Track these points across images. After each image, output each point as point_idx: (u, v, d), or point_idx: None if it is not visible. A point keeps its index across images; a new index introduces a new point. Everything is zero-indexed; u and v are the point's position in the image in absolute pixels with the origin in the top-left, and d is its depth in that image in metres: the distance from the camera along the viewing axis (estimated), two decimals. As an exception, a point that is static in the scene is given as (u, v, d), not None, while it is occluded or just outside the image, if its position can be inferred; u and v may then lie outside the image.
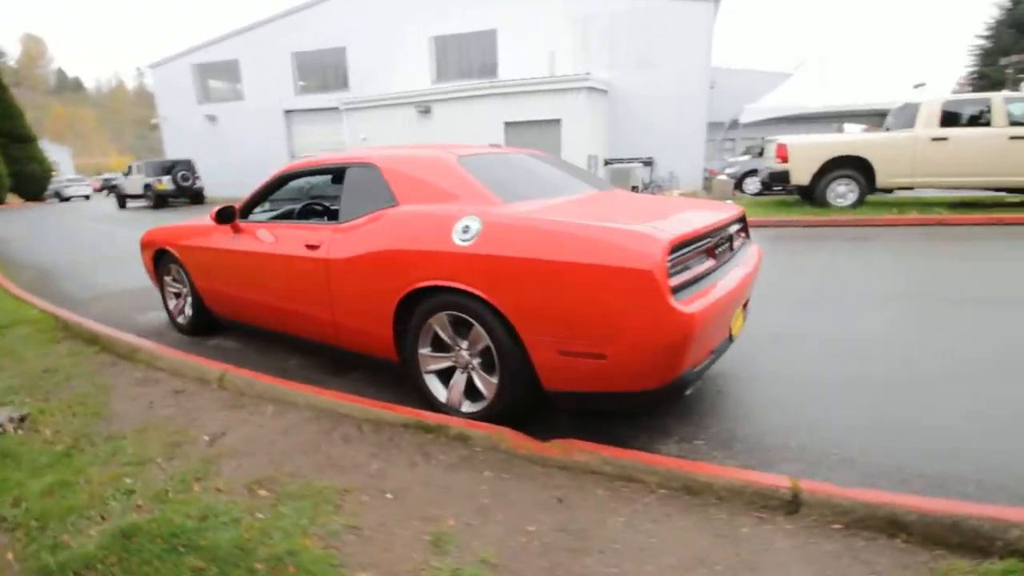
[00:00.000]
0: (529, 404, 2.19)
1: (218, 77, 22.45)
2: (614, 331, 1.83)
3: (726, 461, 2.01)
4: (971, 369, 2.74)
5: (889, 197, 9.82)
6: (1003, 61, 39.69)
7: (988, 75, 43.71)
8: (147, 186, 17.76)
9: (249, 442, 2.21)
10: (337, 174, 2.97)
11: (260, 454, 2.11)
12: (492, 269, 2.03)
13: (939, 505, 1.54)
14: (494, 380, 2.18)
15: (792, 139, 9.17)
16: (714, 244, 2.23)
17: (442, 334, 2.31)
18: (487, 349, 2.18)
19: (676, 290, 1.82)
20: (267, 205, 4.21)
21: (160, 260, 3.95)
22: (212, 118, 22.21)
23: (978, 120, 7.98)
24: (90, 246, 9.30)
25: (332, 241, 2.61)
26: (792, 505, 1.64)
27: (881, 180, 8.60)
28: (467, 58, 18.73)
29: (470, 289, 2.09)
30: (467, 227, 2.13)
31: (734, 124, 17.67)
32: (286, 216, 3.65)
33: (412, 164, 2.54)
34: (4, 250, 9.23)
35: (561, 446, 1.96)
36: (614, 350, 1.85)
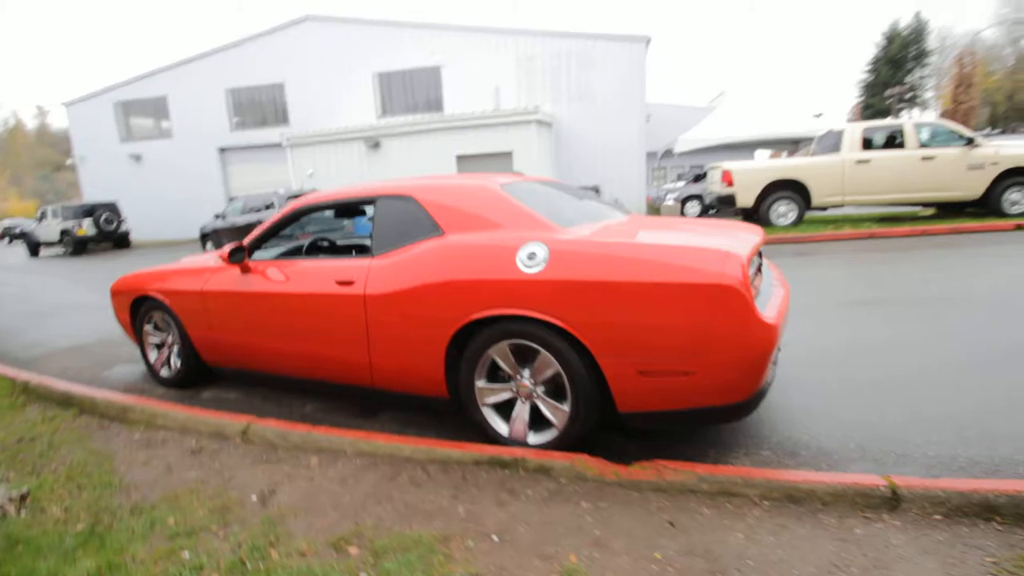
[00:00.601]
0: (596, 430, 2.17)
1: (144, 114, 21.21)
2: (701, 347, 1.87)
3: (802, 468, 2.08)
4: (963, 362, 3.00)
5: (824, 215, 10.73)
6: (887, 93, 45.10)
7: (873, 105, 49.64)
8: (64, 231, 16.24)
9: (308, 497, 2.02)
10: (359, 207, 2.87)
11: (327, 509, 1.93)
12: (565, 294, 2.02)
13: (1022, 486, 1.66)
14: (565, 407, 2.14)
15: (735, 165, 9.89)
16: (759, 262, 2.35)
17: (502, 364, 2.25)
18: (555, 376, 2.15)
19: (752, 303, 1.89)
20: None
21: (138, 308, 3.60)
22: (137, 157, 20.85)
23: (894, 143, 8.99)
24: (12, 299, 8.33)
25: (370, 275, 2.50)
26: (893, 501, 1.70)
27: (816, 200, 9.42)
28: (412, 93, 18.89)
29: (539, 316, 2.07)
30: (532, 253, 2.12)
31: (667, 153, 18.80)
32: (291, 255, 3.45)
33: (456, 194, 2.50)
34: (-99, 310, 8.07)
35: (651, 468, 1.95)
36: (701, 366, 1.88)
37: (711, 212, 14.70)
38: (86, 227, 16.21)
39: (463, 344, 2.32)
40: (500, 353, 2.23)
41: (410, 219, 2.52)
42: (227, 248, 2.91)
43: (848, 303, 4.46)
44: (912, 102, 49.36)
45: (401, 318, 2.40)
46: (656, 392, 1.98)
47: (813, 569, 1.48)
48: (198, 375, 3.50)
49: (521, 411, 2.27)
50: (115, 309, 3.82)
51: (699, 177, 18.12)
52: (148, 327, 3.59)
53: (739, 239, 2.19)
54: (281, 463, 2.32)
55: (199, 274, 3.23)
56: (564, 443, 2.16)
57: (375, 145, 15.50)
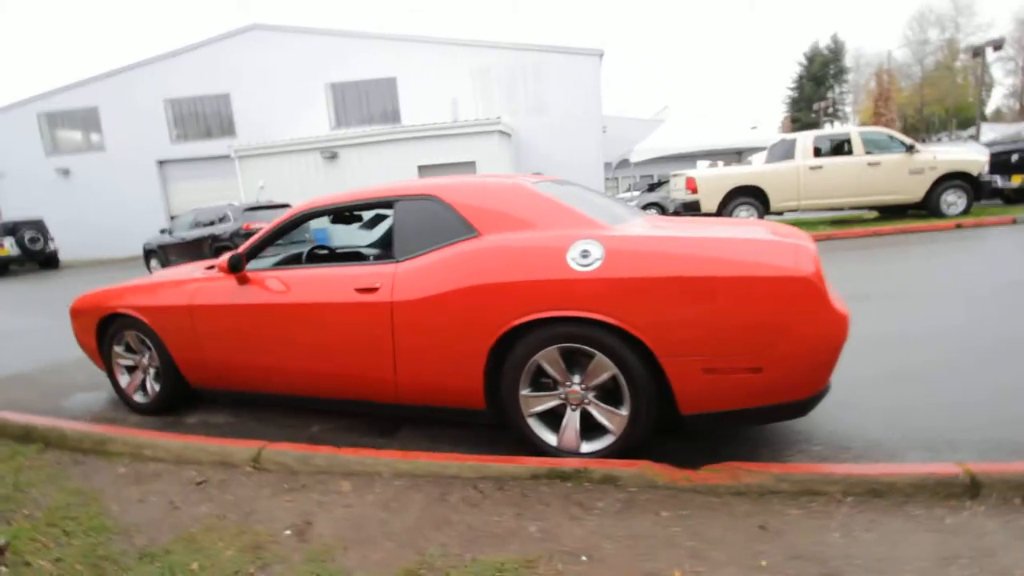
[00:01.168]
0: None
1: (72, 127, 19.69)
2: (773, 342, 1.81)
3: (860, 460, 2.06)
4: (965, 353, 3.13)
5: (781, 219, 11.25)
6: (815, 107, 48.42)
7: (800, 119, 53.31)
8: (-19, 252, 14.70)
9: (352, 528, 1.80)
10: (372, 209, 2.68)
11: (379, 539, 1.72)
12: (624, 292, 1.92)
13: (1091, 465, 1.69)
14: (623, 412, 2.03)
15: (699, 173, 10.23)
16: None
17: (550, 370, 2.12)
18: (609, 380, 2.04)
19: (817, 295, 1.85)
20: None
21: (106, 329, 3.21)
22: (65, 172, 19.29)
23: (842, 150, 9.55)
24: (-75, 327, 7.36)
25: (396, 281, 2.31)
26: (973, 488, 1.69)
27: (774, 204, 9.85)
28: (367, 104, 18.52)
29: (595, 316, 1.96)
30: (586, 251, 2.01)
31: (624, 163, 19.33)
32: (288, 264, 3.18)
33: (489, 193, 2.36)
34: None
35: (725, 471, 1.86)
36: (772, 361, 1.83)
37: (671, 219, 15.13)
38: (8, 246, 14.73)
39: (504, 351, 2.17)
40: (549, 358, 2.10)
41: (438, 220, 2.36)
42: (224, 257, 2.64)
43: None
44: (834, 116, 53.42)
45: (435, 325, 2.23)
46: (722, 391, 1.91)
47: (925, 563, 1.43)
48: (180, 399, 3.15)
49: (571, 419, 2.14)
50: (76, 331, 3.39)
51: (653, 186, 18.69)
52: (118, 349, 3.20)
53: (790, 233, 2.17)
54: (307, 491, 2.07)
55: (183, 287, 2.91)
56: (622, 450, 2.05)
57: (332, 156, 15.03)
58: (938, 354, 3.13)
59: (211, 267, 3.18)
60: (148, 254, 11.48)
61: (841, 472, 1.78)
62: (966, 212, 9.07)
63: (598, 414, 2.10)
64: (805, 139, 9.74)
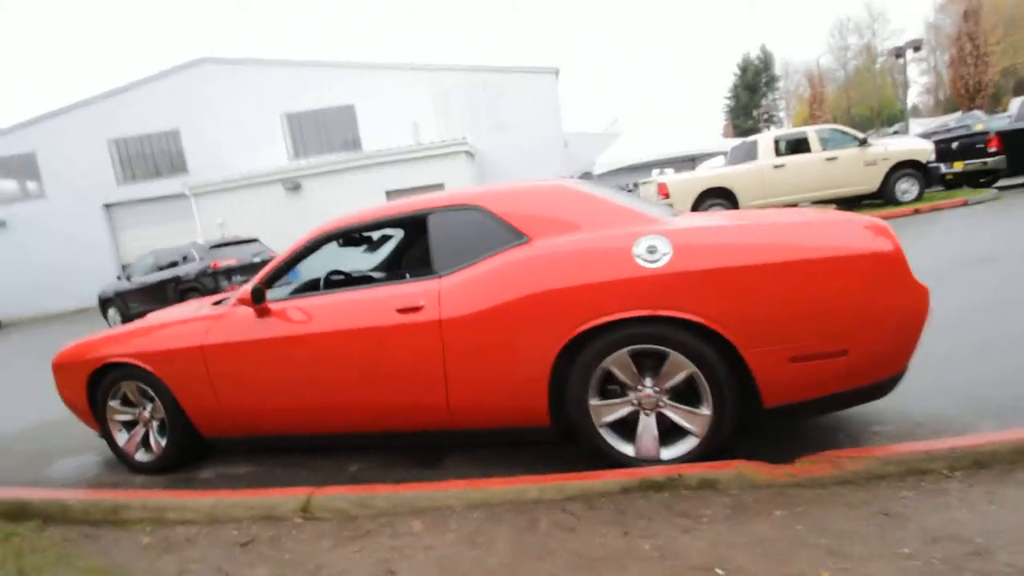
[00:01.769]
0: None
1: (6, 175, 18.46)
2: (859, 322, 1.77)
3: (940, 435, 2.03)
4: (999, 327, 3.22)
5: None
6: (755, 113, 51.03)
7: (739, 125, 56.09)
8: (-93, 318, 13.42)
9: (444, 571, 1.62)
10: (402, 225, 2.53)
11: (480, 580, 1.55)
12: (699, 286, 1.85)
13: None
14: (705, 412, 1.94)
15: (670, 178, 10.47)
16: None
17: (621, 375, 2.02)
18: (686, 380, 1.95)
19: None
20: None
21: (98, 382, 2.90)
22: (0, 224, 18.00)
23: (800, 148, 9.99)
24: None
25: (442, 297, 2.17)
26: (1075, 451, 1.68)
27: (742, 203, 10.16)
28: (326, 133, 18.23)
29: (670, 313, 1.87)
30: (652, 247, 1.93)
31: (587, 175, 19.68)
32: (305, 292, 2.95)
33: (534, 197, 2.26)
34: None
35: (824, 461, 1.79)
36: (858, 343, 1.78)
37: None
38: (-62, 309, 13.51)
39: (569, 360, 2.06)
40: (619, 363, 2.00)
41: (481, 230, 2.24)
42: (246, 288, 2.42)
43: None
44: (770, 121, 56.50)
45: (492, 340, 2.09)
46: (807, 379, 1.85)
47: (1070, 532, 1.39)
48: (189, 453, 2.86)
49: (647, 425, 2.03)
50: (61, 388, 3.05)
51: (639, 192, 19.09)
52: (114, 403, 2.89)
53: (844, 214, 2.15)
54: (374, 536, 1.87)
55: (191, 326, 2.66)
56: (707, 452, 1.95)
57: (295, 187, 14.63)
58: (965, 332, 3.20)
59: (219, 302, 2.94)
60: (105, 303, 10.73)
61: (944, 447, 1.74)
62: (919, 198, 9.61)
63: (677, 417, 2.00)
64: (766, 140, 10.14)
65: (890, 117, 43.91)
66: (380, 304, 2.28)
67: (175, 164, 18.06)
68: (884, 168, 9.57)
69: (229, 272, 9.42)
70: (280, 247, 11.03)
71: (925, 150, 9.49)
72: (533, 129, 17.70)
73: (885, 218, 8.84)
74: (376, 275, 3.23)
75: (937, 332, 2.88)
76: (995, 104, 25.09)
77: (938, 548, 1.39)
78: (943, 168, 10.67)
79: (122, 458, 2.93)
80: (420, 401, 2.25)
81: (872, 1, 55.77)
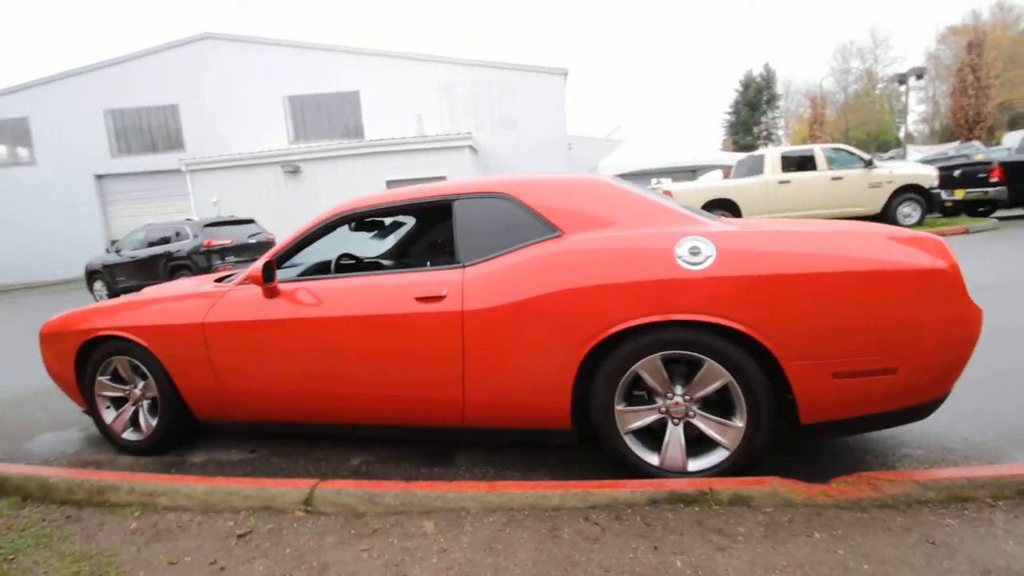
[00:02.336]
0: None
1: (-2, 138, 18.01)
2: (911, 339, 1.69)
3: (969, 462, 1.97)
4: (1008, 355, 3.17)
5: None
6: (754, 130, 51.54)
7: (738, 141, 56.63)
8: None
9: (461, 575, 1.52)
10: (423, 211, 2.42)
11: (502, 590, 1.45)
12: (743, 292, 1.76)
13: None
14: (738, 424, 1.85)
15: (676, 187, 10.43)
16: None
17: (651, 381, 1.92)
18: (720, 390, 1.86)
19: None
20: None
21: (87, 355, 2.75)
22: (-14, 187, 17.55)
23: (807, 166, 10.00)
24: None
25: (466, 287, 2.06)
26: (1124, 488, 1.62)
27: (746, 216, 10.17)
28: (329, 118, 17.98)
29: (710, 319, 1.78)
30: (695, 248, 1.84)
31: (589, 179, 19.60)
32: (316, 274, 2.82)
33: (570, 189, 2.16)
34: None
35: (862, 483, 1.71)
36: (908, 360, 1.70)
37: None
38: (-85, 271, 13.09)
39: (596, 362, 1.96)
40: (650, 368, 1.90)
41: (510, 220, 2.13)
42: (257, 264, 2.29)
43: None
44: (768, 139, 57.05)
45: (517, 336, 1.98)
46: (851, 396, 1.77)
47: None
48: (181, 435, 2.72)
49: (675, 435, 1.94)
50: (48, 359, 2.89)
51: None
52: (103, 379, 2.74)
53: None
54: (382, 536, 1.76)
55: (191, 302, 2.53)
56: (738, 466, 1.87)
57: (294, 170, 14.39)
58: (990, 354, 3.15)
59: (222, 279, 2.80)
60: (91, 275, 10.44)
61: (988, 475, 1.67)
62: (920, 223, 9.66)
63: (707, 428, 1.91)
64: (773, 155, 10.14)
65: (885, 143, 44.48)
66: (398, 291, 2.16)
67: (172, 140, 17.70)
68: (888, 191, 9.61)
69: (223, 251, 9.21)
70: (276, 229, 10.84)
71: (929, 176, 9.54)
72: (538, 129, 17.60)
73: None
74: (391, 261, 3.11)
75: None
76: (989, 137, 25.48)
77: (994, 583, 1.32)
78: (943, 195, 10.76)
79: (108, 436, 2.78)
80: (434, 395, 2.14)
81: (876, 27, 56.53)
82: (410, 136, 14.65)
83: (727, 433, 1.88)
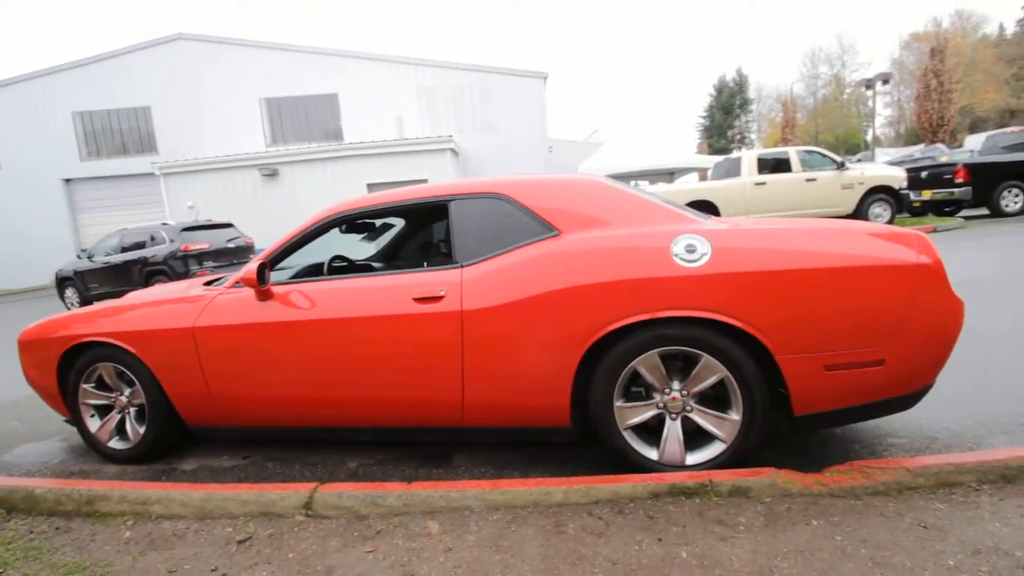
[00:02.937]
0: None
1: (-45, 140, 17.29)
2: (898, 332, 1.76)
3: (952, 449, 2.05)
4: (982, 338, 3.31)
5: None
6: (728, 133, 52.57)
7: (712, 144, 57.71)
8: None
9: (471, 574, 1.52)
10: (418, 211, 2.42)
11: (512, 586, 1.46)
12: (738, 288, 1.81)
13: None
14: (734, 417, 1.90)
15: (656, 189, 10.60)
16: None
17: (648, 377, 1.96)
18: (716, 384, 1.91)
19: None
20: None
21: (71, 363, 2.67)
22: (-55, 192, 16.83)
23: (782, 168, 10.26)
24: None
25: (464, 287, 2.07)
26: (1096, 469, 1.71)
27: (725, 216, 10.39)
28: (307, 121, 17.75)
29: (707, 315, 1.83)
30: (691, 246, 1.88)
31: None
32: (309, 276, 2.79)
33: (565, 189, 2.19)
34: None
35: (855, 471, 1.77)
36: (895, 353, 1.78)
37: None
38: None
39: (595, 359, 1.99)
40: (648, 364, 1.94)
41: (507, 220, 2.15)
42: (251, 266, 2.26)
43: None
44: (742, 142, 58.32)
45: (516, 335, 2.00)
46: (841, 388, 1.83)
47: (1108, 549, 1.40)
48: (169, 442, 2.66)
49: (673, 429, 1.98)
50: (28, 368, 2.80)
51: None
52: (87, 387, 2.66)
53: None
54: (386, 537, 1.76)
55: (181, 306, 2.48)
56: (734, 458, 1.92)
57: (272, 173, 14.16)
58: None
59: (211, 282, 2.76)
60: (62, 282, 10.10)
61: (973, 461, 1.74)
62: (890, 223, 9.99)
63: (704, 422, 1.95)
64: (749, 157, 10.38)
65: (853, 146, 45.85)
66: (395, 292, 2.16)
67: (144, 143, 17.24)
68: (860, 192, 9.92)
69: (200, 256, 9.02)
70: (255, 233, 10.66)
71: (898, 177, 9.88)
72: (519, 132, 17.66)
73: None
74: (387, 263, 3.10)
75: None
76: (952, 140, 26.51)
77: (982, 562, 1.38)
78: (911, 195, 11.15)
79: (93, 445, 2.71)
80: (433, 396, 2.14)
81: (843, 34, 58.30)
82: (391, 139, 14.56)
83: (724, 426, 1.93)
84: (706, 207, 10.29)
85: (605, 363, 1.96)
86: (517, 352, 2.01)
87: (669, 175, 26.27)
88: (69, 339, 2.62)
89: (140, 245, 9.20)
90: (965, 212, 11.25)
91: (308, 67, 17.12)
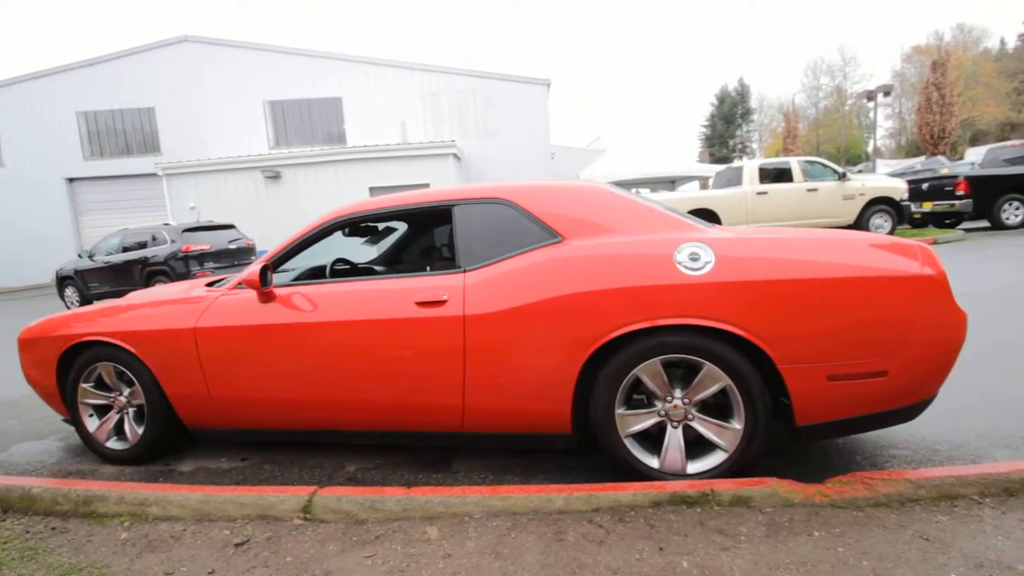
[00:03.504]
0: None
1: (-41, 139, 17.35)
2: (901, 343, 1.76)
3: (953, 462, 2.05)
4: (982, 351, 3.31)
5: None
6: (730, 143, 52.70)
7: (714, 153, 57.84)
8: None
9: (470, 582, 1.51)
10: (422, 215, 2.42)
11: (512, 593, 1.45)
12: (742, 297, 1.81)
13: None
14: (736, 426, 1.90)
15: (658, 197, 10.62)
16: None
17: (650, 385, 1.95)
18: (718, 393, 1.91)
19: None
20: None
21: (70, 362, 2.67)
22: (-52, 189, 16.87)
23: (783, 178, 10.29)
24: None
25: (467, 292, 2.07)
26: (1099, 484, 1.70)
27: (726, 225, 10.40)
28: (310, 124, 17.81)
29: (710, 324, 1.83)
30: (695, 254, 1.88)
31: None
32: (311, 279, 2.79)
33: (569, 196, 2.19)
34: None
35: (856, 482, 1.77)
36: (899, 363, 1.77)
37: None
38: None
39: (596, 366, 1.98)
40: (650, 372, 1.94)
41: (511, 225, 2.16)
42: (253, 268, 2.26)
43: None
44: (743, 152, 58.52)
45: (519, 341, 2.00)
46: (843, 398, 1.83)
47: (1112, 564, 1.39)
48: (168, 444, 2.65)
49: (674, 437, 1.97)
50: (27, 366, 2.80)
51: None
52: (86, 386, 2.66)
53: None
54: (385, 542, 1.74)
55: (182, 306, 2.48)
56: (735, 468, 1.91)
57: (275, 176, 14.20)
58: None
59: (213, 283, 2.76)
60: (63, 281, 10.10)
61: (975, 473, 1.74)
62: (891, 234, 10.00)
63: (706, 430, 1.94)
64: (751, 167, 10.41)
65: (853, 157, 45.97)
66: (397, 296, 2.16)
67: (148, 143, 17.30)
68: (861, 203, 9.94)
69: (201, 257, 9.02)
70: (256, 235, 10.67)
71: (899, 188, 9.90)
72: (521, 138, 17.73)
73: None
74: (389, 266, 3.10)
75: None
76: (952, 152, 26.60)
77: (985, 575, 1.37)
78: (912, 207, 11.18)
79: (91, 445, 2.70)
80: (434, 400, 2.14)
81: (845, 45, 58.60)
82: (393, 143, 14.61)
83: (725, 435, 1.92)
84: (707, 216, 10.33)
85: (607, 370, 1.95)
86: (519, 358, 2.01)
87: (671, 183, 26.34)
88: (69, 338, 2.62)
89: (141, 245, 9.21)
90: (965, 224, 11.27)
91: (312, 70, 17.21)
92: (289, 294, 2.34)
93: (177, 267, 8.79)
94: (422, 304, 2.10)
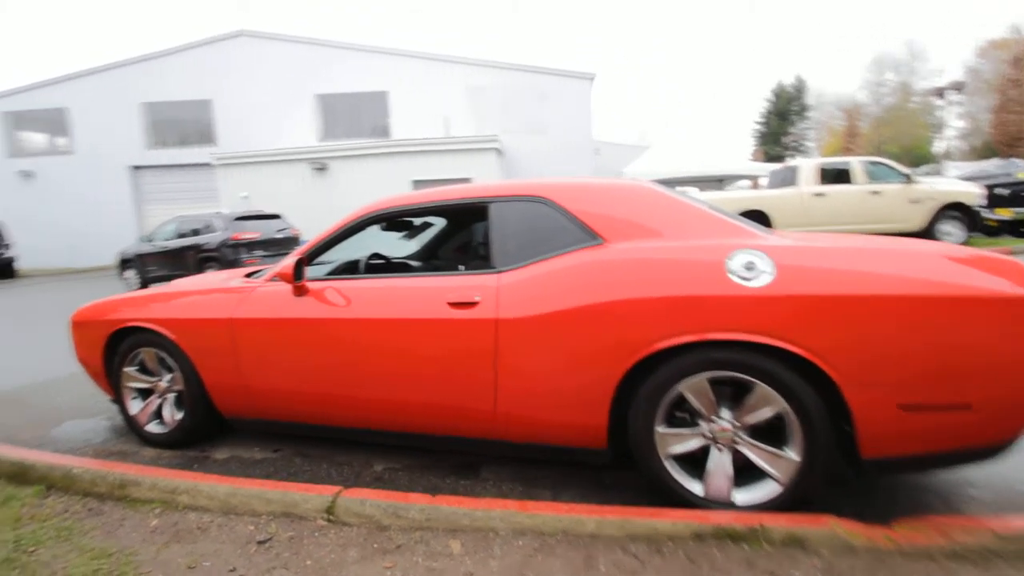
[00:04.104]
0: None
1: (37, 128, 18.59)
2: (987, 372, 1.55)
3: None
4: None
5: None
6: (784, 140, 50.52)
7: (768, 151, 55.56)
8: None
9: (492, 607, 1.42)
10: (457, 212, 2.34)
11: (536, 624, 1.35)
12: (804, 313, 1.63)
13: None
14: (792, 455, 1.72)
15: (705, 196, 10.22)
16: None
17: (695, 403, 1.80)
18: (773, 417, 1.74)
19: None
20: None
21: (116, 345, 2.74)
22: (27, 174, 18.13)
23: (843, 178, 9.69)
24: None
25: (500, 294, 1.97)
26: None
27: (778, 228, 9.90)
28: (357, 117, 18.14)
29: (765, 340, 1.66)
30: (750, 263, 1.72)
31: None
32: (345, 274, 2.77)
33: (612, 195, 2.06)
34: None
35: (931, 528, 1.57)
36: (984, 396, 1.56)
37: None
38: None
39: (636, 379, 1.85)
40: (695, 389, 1.78)
41: (549, 225, 2.04)
42: (288, 261, 2.24)
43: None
44: (797, 150, 55.86)
45: (554, 347, 1.89)
46: (918, 431, 1.62)
47: None
48: (205, 430, 2.69)
49: (721, 462, 1.81)
50: (78, 346, 2.90)
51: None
52: (130, 369, 2.73)
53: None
54: (406, 552, 1.68)
55: (220, 296, 2.49)
56: (788, 502, 1.73)
57: (321, 168, 14.54)
58: None
59: (251, 275, 2.77)
60: (124, 263, 10.68)
61: (1074, 530, 1.51)
62: (964, 243, 9.26)
63: (757, 457, 1.78)
64: (808, 166, 9.86)
65: (919, 158, 43.07)
66: (429, 295, 2.09)
67: (204, 134, 18.07)
68: (930, 207, 9.24)
69: (250, 245, 9.31)
70: (302, 226, 10.93)
71: (974, 193, 9.16)
72: (565, 133, 17.48)
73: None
74: (423, 263, 3.05)
75: None
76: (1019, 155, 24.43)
77: (1094, 656, 1.17)
78: (985, 213, 10.32)
79: (132, 427, 2.77)
80: (464, 404, 2.06)
81: (913, 39, 54.83)
82: (437, 137, 14.68)
83: (778, 464, 1.75)
84: (757, 217, 9.86)
85: (648, 384, 1.82)
86: (554, 366, 1.90)
87: (718, 182, 25.41)
88: (116, 322, 2.69)
89: (195, 232, 9.59)
90: (1046, 234, 10.32)
91: (360, 65, 17.50)
92: (322, 288, 2.31)
93: (228, 254, 9.10)
94: (454, 305, 2.02)
